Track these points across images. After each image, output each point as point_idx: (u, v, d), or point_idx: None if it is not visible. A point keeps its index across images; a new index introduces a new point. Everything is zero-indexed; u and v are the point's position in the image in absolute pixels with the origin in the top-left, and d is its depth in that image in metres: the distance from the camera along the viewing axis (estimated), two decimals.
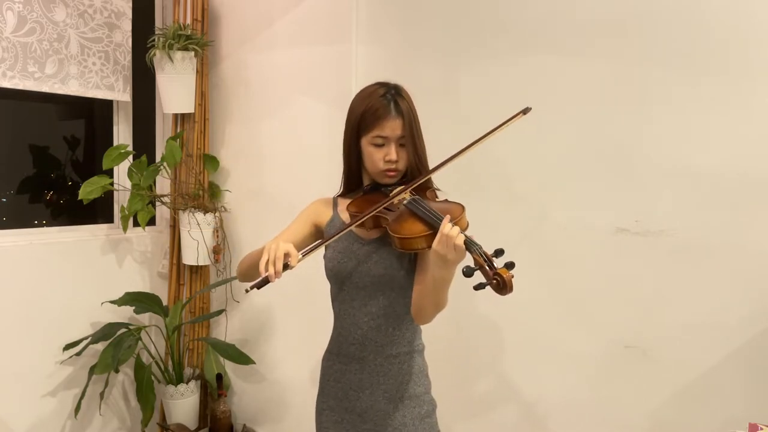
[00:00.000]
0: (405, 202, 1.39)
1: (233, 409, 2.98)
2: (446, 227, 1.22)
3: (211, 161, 2.91)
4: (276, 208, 2.78)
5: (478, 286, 1.18)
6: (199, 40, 2.76)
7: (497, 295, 1.16)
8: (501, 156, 2.09)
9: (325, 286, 1.55)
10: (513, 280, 1.14)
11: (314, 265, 1.50)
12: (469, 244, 1.22)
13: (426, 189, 1.48)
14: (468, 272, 1.17)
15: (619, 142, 1.91)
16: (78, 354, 2.60)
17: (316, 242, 1.36)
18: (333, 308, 1.54)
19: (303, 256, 1.30)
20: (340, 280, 1.48)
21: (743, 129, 1.72)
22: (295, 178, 2.69)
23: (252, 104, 2.84)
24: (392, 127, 1.41)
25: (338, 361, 1.51)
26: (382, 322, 1.44)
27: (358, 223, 1.38)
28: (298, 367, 2.73)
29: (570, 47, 1.98)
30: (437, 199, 1.48)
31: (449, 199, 1.48)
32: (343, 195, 1.58)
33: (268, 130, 2.79)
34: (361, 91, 1.48)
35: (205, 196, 2.89)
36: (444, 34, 2.24)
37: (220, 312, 2.91)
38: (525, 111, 1.42)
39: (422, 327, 1.54)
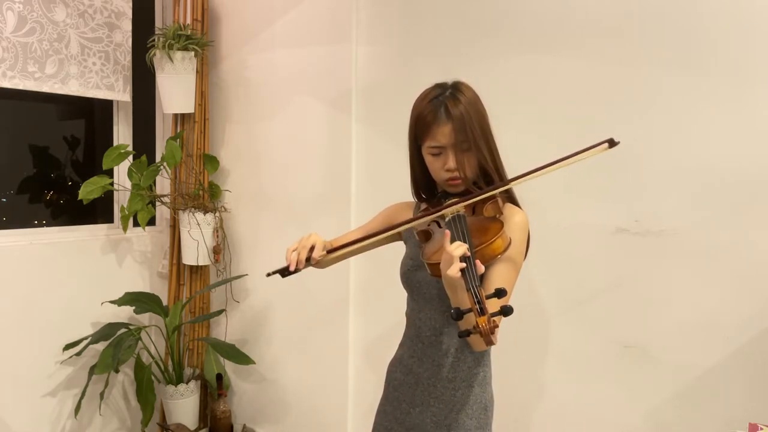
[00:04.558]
0: (447, 218, 1.23)
1: (233, 409, 2.98)
2: (448, 247, 1.09)
3: (211, 161, 2.91)
4: (276, 208, 2.78)
5: (463, 334, 1.04)
6: (199, 40, 2.76)
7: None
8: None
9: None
10: (497, 331, 1.00)
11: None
12: (467, 279, 1.05)
13: (487, 201, 1.29)
14: (456, 316, 1.03)
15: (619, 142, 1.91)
16: (78, 354, 2.60)
17: (347, 243, 1.25)
18: (405, 315, 1.47)
19: (329, 253, 1.22)
20: (409, 287, 1.41)
21: (743, 129, 1.72)
22: (295, 179, 2.69)
23: (252, 104, 2.84)
24: (443, 133, 1.28)
25: (399, 370, 1.45)
26: (444, 339, 1.35)
27: (394, 232, 1.27)
28: (298, 367, 2.73)
29: (570, 47, 1.98)
30: (488, 215, 1.28)
31: (503, 212, 1.30)
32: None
33: (268, 130, 2.79)
34: (419, 95, 1.36)
35: (205, 196, 2.89)
36: (443, 35, 2.24)
37: (220, 312, 2.91)
38: (611, 143, 1.23)
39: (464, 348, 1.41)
